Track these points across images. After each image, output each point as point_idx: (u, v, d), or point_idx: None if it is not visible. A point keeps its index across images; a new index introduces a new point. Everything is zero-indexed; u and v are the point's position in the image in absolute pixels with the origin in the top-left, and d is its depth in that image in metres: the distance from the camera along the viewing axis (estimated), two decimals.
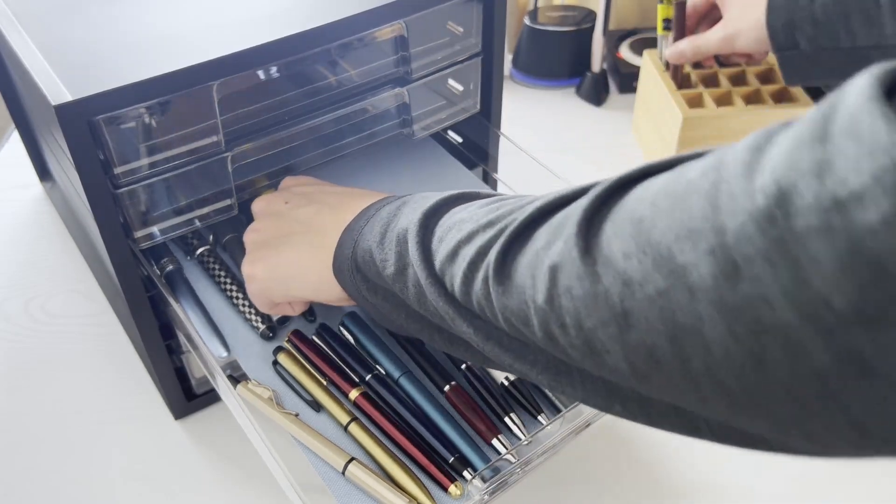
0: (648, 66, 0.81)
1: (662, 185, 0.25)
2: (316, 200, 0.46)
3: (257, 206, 0.49)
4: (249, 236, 0.48)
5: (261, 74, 0.47)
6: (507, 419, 0.47)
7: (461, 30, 0.56)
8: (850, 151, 0.19)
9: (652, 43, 0.90)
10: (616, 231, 0.26)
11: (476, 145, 0.63)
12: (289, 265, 0.45)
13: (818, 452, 0.24)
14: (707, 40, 0.72)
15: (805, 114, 0.22)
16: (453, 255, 0.34)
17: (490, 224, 0.33)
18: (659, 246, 0.24)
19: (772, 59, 0.80)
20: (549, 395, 0.48)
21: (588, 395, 0.31)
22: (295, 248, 0.45)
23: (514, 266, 0.30)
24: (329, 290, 0.44)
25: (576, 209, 0.28)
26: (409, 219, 0.38)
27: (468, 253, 0.33)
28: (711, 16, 0.76)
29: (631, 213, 0.26)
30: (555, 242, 0.28)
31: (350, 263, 0.41)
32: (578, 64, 0.93)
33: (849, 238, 0.19)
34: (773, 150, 0.21)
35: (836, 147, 0.19)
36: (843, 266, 0.19)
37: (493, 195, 0.39)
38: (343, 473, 0.44)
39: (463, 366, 0.50)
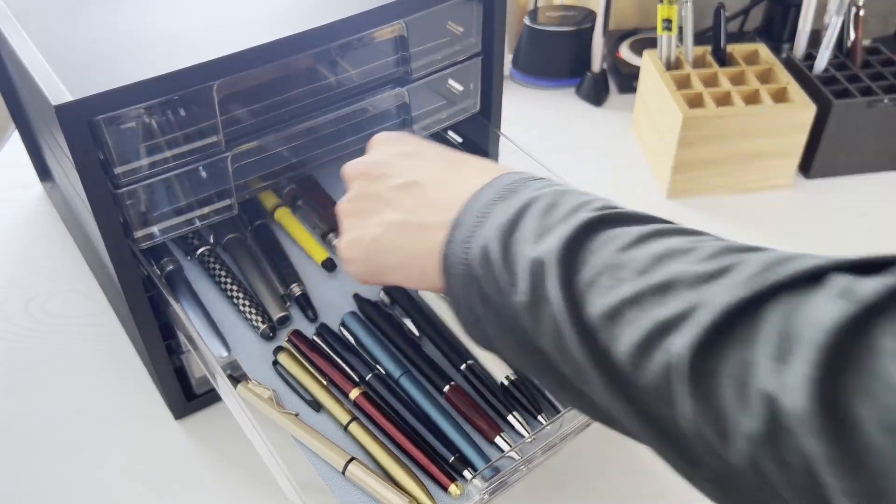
0: (648, 66, 0.81)
1: None
2: (412, 172, 0.40)
3: (348, 171, 0.43)
4: (344, 207, 0.42)
5: (261, 75, 0.47)
6: (510, 417, 0.47)
7: (461, 30, 0.56)
8: None
9: (652, 43, 0.90)
10: (865, 395, 0.21)
11: (476, 145, 0.63)
12: (387, 255, 0.39)
13: None
14: None
15: None
16: (614, 314, 0.29)
17: (663, 289, 0.28)
18: None
19: (771, 59, 0.80)
20: (548, 395, 0.48)
21: None
22: (393, 234, 0.39)
23: (715, 371, 0.25)
24: (431, 284, 0.38)
25: (817, 324, 0.23)
26: (542, 247, 0.32)
27: (641, 322, 0.28)
28: None
29: (885, 376, 0.21)
30: (781, 364, 0.23)
31: (464, 269, 0.35)
32: (578, 64, 0.93)
33: None
34: None
35: None
36: None
37: (634, 215, 0.33)
38: (343, 473, 0.44)
39: (462, 366, 0.50)
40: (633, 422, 0.29)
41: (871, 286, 0.23)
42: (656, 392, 0.27)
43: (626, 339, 0.28)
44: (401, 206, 0.39)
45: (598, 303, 0.29)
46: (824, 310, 0.23)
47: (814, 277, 0.25)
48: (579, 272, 0.31)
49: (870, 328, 0.22)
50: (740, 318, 0.25)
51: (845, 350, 0.22)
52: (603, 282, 0.30)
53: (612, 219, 0.32)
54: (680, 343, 0.26)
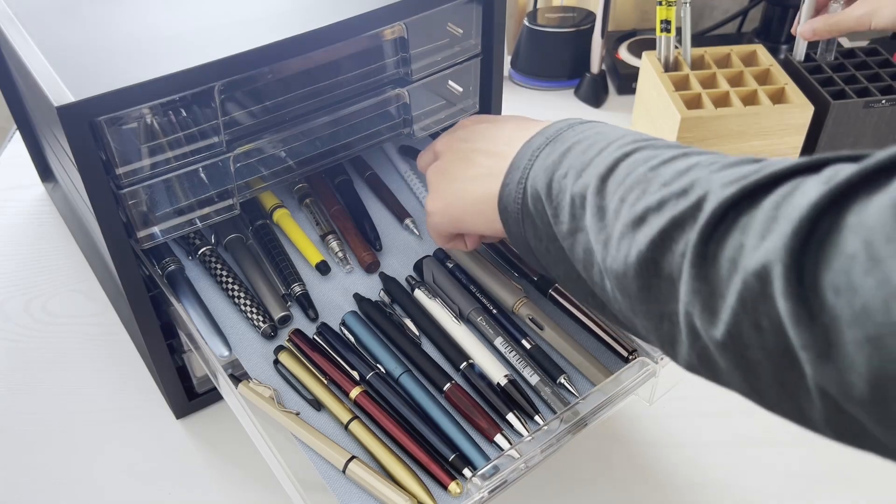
0: (647, 67, 0.82)
1: (877, 221, 0.23)
2: (488, 135, 0.46)
3: (439, 145, 0.50)
4: (431, 175, 0.48)
5: (262, 75, 0.47)
6: (509, 416, 0.47)
7: (461, 31, 0.56)
8: None
9: (651, 44, 0.90)
10: (828, 261, 0.24)
11: None
12: (465, 198, 0.45)
13: None
14: (845, 17, 0.74)
15: None
16: (640, 220, 0.31)
17: (684, 193, 0.30)
18: (873, 297, 0.22)
19: (769, 60, 0.80)
20: (545, 396, 0.48)
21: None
22: (469, 181, 0.45)
23: (717, 254, 0.28)
24: (494, 221, 0.43)
25: (788, 213, 0.25)
26: (584, 181, 0.35)
27: (659, 223, 0.30)
28: None
29: (844, 246, 0.23)
30: (761, 246, 0.26)
31: (517, 207, 0.40)
32: (577, 65, 0.94)
33: None
34: None
35: None
36: None
37: (664, 143, 0.36)
38: (344, 472, 0.44)
39: (462, 365, 0.50)
40: (643, 320, 0.32)
41: (849, 169, 0.25)
42: (668, 286, 0.30)
43: (645, 236, 0.31)
44: (478, 162, 0.45)
45: (626, 214, 0.32)
46: (808, 193, 0.25)
47: (812, 168, 0.27)
48: (614, 193, 0.34)
49: (841, 207, 0.24)
50: (741, 206, 0.28)
51: (816, 226, 0.24)
52: (632, 195, 0.32)
53: (645, 147, 0.35)
54: (692, 236, 0.29)
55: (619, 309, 0.35)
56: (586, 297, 0.38)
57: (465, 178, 0.45)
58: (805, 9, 0.77)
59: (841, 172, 0.25)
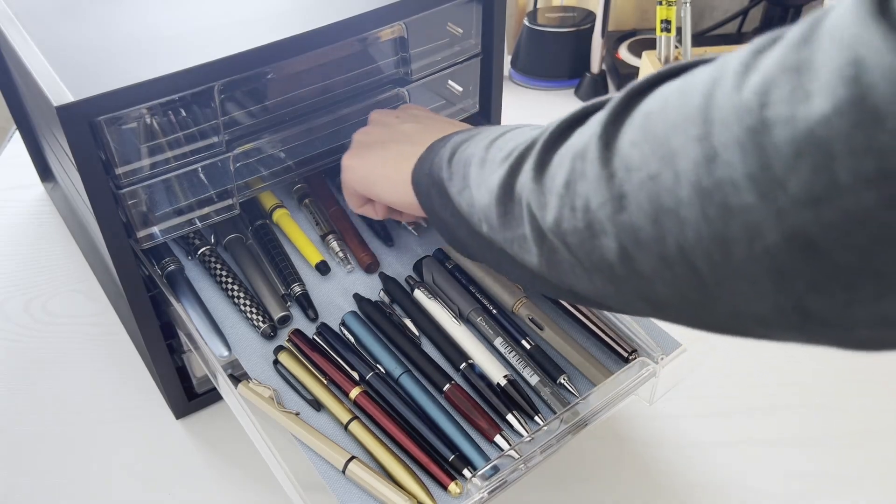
0: (647, 67, 0.82)
1: (675, 85, 0.27)
2: (422, 122, 0.51)
3: (374, 115, 0.53)
4: (358, 135, 0.52)
5: (262, 75, 0.47)
6: (509, 416, 0.47)
7: (461, 31, 0.56)
8: (827, 48, 0.21)
9: (651, 44, 0.90)
10: (631, 124, 0.28)
11: None
12: (379, 165, 0.49)
13: (766, 336, 0.27)
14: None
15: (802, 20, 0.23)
16: (507, 157, 0.36)
17: (543, 129, 0.35)
18: (657, 134, 0.26)
19: None
20: (545, 396, 0.48)
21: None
22: (388, 152, 0.49)
23: (552, 158, 0.32)
24: (405, 196, 0.47)
25: (605, 108, 0.30)
26: (477, 145, 0.41)
27: (517, 151, 0.35)
28: None
29: (644, 107, 0.28)
30: (584, 135, 0.31)
31: (427, 180, 0.44)
32: (577, 65, 0.94)
33: (807, 126, 0.21)
34: (769, 52, 0.23)
35: (818, 45, 0.21)
36: (800, 151, 0.21)
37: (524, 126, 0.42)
38: (343, 472, 0.44)
39: (462, 365, 0.50)
40: (506, 242, 0.37)
41: (625, 90, 0.30)
42: (521, 205, 0.35)
43: (504, 167, 0.36)
44: (400, 139, 0.49)
45: (496, 157, 0.38)
46: (609, 103, 0.30)
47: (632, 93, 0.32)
48: (495, 146, 0.39)
49: (650, 89, 0.29)
50: (572, 124, 0.33)
51: (627, 103, 0.29)
52: (508, 146, 0.37)
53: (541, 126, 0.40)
54: (535, 149, 0.34)
55: (495, 249, 0.38)
56: (484, 255, 0.42)
57: (385, 149, 0.49)
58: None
59: (626, 88, 0.30)
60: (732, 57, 0.25)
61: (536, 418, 0.47)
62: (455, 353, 0.51)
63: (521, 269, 0.38)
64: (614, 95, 0.32)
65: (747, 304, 0.25)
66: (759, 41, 0.24)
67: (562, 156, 0.32)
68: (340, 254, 0.57)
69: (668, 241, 0.26)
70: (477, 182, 0.39)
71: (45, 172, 0.77)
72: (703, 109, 0.24)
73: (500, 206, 0.36)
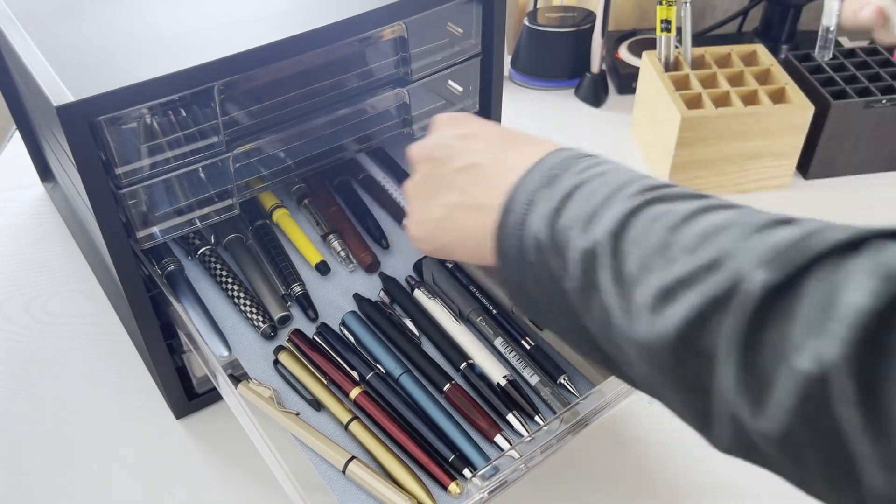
0: (647, 67, 0.82)
1: None
2: (471, 155, 0.42)
3: (414, 153, 0.45)
4: (410, 189, 0.45)
5: (262, 75, 0.47)
6: (509, 416, 0.47)
7: (461, 31, 0.56)
8: None
9: (651, 44, 0.90)
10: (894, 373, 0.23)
11: None
12: (449, 233, 0.42)
13: None
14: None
15: None
16: (669, 294, 0.30)
17: (714, 267, 0.29)
18: None
19: (769, 60, 0.80)
20: (545, 396, 0.48)
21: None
22: (453, 215, 0.42)
23: (761, 342, 0.26)
24: (488, 259, 0.40)
25: (851, 303, 0.24)
26: (591, 236, 0.33)
27: (693, 300, 0.29)
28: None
29: None
30: (817, 338, 0.25)
31: (516, 254, 0.37)
32: (577, 65, 0.94)
33: None
34: None
35: None
36: None
37: (679, 194, 0.34)
38: (343, 472, 0.44)
39: (462, 365, 0.50)
40: (672, 394, 0.32)
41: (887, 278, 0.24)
42: (704, 364, 0.29)
43: (676, 315, 0.29)
44: (460, 188, 0.41)
45: (652, 284, 0.30)
46: (860, 288, 0.24)
47: (852, 245, 0.26)
48: (631, 254, 0.32)
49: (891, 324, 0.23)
50: (782, 291, 0.26)
51: (876, 332, 0.23)
52: (656, 264, 0.31)
53: (658, 200, 0.33)
54: (732, 320, 0.27)
55: (640, 375, 0.34)
56: (591, 353, 0.36)
57: (447, 204, 0.42)
58: (825, 19, 0.76)
59: (891, 261, 0.24)
60: None
61: (536, 418, 0.47)
62: (455, 353, 0.51)
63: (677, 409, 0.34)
64: (824, 248, 0.26)
65: None
66: None
67: (775, 348, 0.26)
68: (342, 253, 0.57)
69: None
70: (617, 300, 0.32)
71: (45, 172, 0.77)
72: None
73: (673, 356, 0.30)
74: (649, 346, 0.31)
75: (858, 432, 0.24)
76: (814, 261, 0.26)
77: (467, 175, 0.41)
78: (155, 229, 0.49)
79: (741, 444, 0.29)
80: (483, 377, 0.49)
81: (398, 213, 0.60)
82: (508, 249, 0.37)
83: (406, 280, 0.56)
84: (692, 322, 0.29)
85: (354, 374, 0.49)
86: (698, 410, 0.31)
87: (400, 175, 0.63)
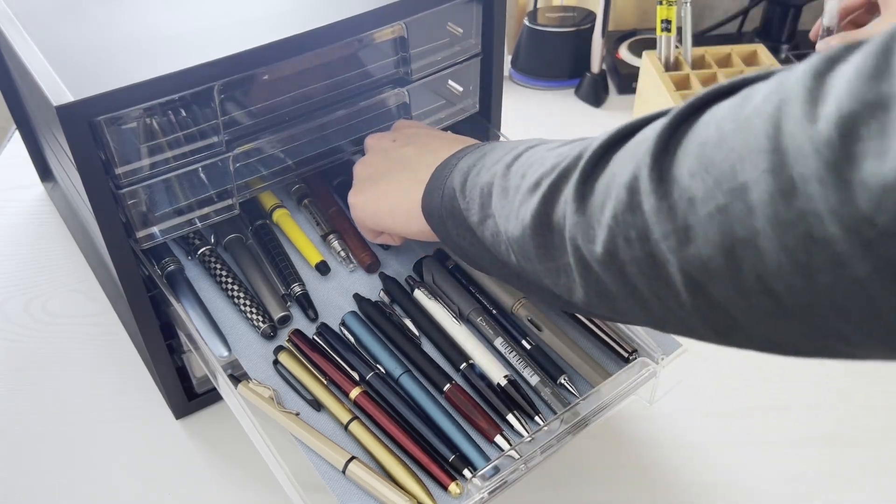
0: (647, 66, 0.82)
1: (727, 110, 0.27)
2: (419, 142, 0.50)
3: (369, 141, 0.53)
4: (358, 168, 0.52)
5: (262, 75, 0.47)
6: (509, 416, 0.47)
7: (461, 31, 0.56)
8: None
9: (651, 44, 0.90)
10: (684, 153, 0.28)
11: None
12: (385, 199, 0.49)
13: (853, 356, 0.27)
14: (864, 35, 0.73)
15: (867, 42, 0.23)
16: (535, 186, 0.35)
17: (572, 154, 0.34)
18: (719, 165, 0.26)
19: (770, 60, 0.80)
20: (545, 396, 0.48)
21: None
22: (392, 183, 0.48)
23: (594, 187, 0.32)
24: (418, 225, 0.47)
25: (651, 132, 0.30)
26: (492, 172, 0.40)
27: (549, 181, 0.34)
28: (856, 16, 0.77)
29: (698, 136, 0.28)
30: (630, 163, 0.30)
31: (439, 209, 0.44)
32: (578, 65, 0.94)
33: None
34: (836, 79, 0.23)
35: None
36: (887, 186, 0.21)
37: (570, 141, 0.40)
38: (343, 472, 0.44)
39: (462, 365, 0.50)
40: (544, 279, 0.36)
41: (671, 114, 0.29)
42: (561, 235, 0.34)
43: (538, 196, 0.35)
44: (401, 166, 0.49)
45: (525, 185, 0.36)
46: (661, 121, 0.30)
47: (657, 117, 0.31)
48: (512, 176, 0.38)
49: (697, 112, 0.28)
50: (609, 149, 0.32)
51: (675, 130, 0.29)
52: (530, 171, 0.37)
53: (550, 141, 0.40)
54: (574, 176, 0.33)
55: (527, 278, 0.38)
56: (511, 281, 0.41)
57: (388, 180, 0.48)
58: (826, 19, 0.77)
59: (671, 112, 0.29)
60: (790, 80, 0.24)
61: (537, 418, 0.47)
62: (455, 353, 0.51)
63: (551, 296, 0.37)
64: (653, 119, 0.31)
65: (833, 330, 0.25)
66: (814, 62, 0.24)
67: (605, 185, 0.31)
68: (342, 253, 0.57)
69: (745, 271, 0.26)
70: (502, 213, 0.38)
71: (45, 172, 0.77)
72: (773, 140, 0.24)
73: (537, 238, 0.35)
74: (519, 237, 0.36)
75: (656, 214, 0.28)
76: (644, 120, 0.32)
77: (409, 157, 0.49)
78: (155, 229, 0.49)
79: (594, 292, 0.33)
80: (483, 377, 0.49)
81: None
82: (433, 210, 0.44)
83: (406, 280, 0.56)
84: (546, 197, 0.34)
85: (354, 374, 0.49)
86: (563, 284, 0.35)
87: None
